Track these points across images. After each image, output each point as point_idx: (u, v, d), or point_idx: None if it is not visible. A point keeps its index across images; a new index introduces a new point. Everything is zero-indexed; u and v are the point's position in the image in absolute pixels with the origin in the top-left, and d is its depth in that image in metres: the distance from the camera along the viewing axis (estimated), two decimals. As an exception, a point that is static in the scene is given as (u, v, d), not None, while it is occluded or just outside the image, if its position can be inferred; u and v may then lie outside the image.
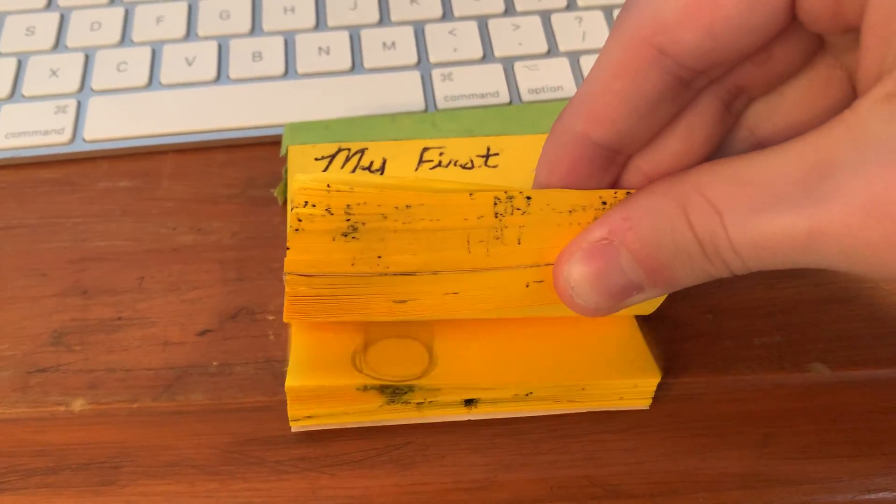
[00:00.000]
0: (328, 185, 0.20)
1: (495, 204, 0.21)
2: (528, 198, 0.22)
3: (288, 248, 0.21)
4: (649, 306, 0.26)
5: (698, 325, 0.28)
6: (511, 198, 0.21)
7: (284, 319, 0.23)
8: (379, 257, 0.21)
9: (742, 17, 0.18)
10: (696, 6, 0.18)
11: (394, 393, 0.24)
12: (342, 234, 0.21)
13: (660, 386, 0.26)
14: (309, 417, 0.25)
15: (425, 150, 0.30)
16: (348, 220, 0.21)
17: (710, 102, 0.21)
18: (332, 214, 0.21)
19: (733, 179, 0.19)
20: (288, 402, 0.24)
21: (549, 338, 0.26)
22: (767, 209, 0.18)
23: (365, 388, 0.24)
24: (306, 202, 0.20)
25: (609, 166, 0.22)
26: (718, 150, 0.22)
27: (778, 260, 0.19)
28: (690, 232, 0.19)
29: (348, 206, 0.21)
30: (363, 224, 0.21)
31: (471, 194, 0.21)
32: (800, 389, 0.27)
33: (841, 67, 0.21)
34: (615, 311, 0.22)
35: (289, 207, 0.21)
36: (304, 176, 0.20)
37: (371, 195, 0.21)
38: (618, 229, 0.21)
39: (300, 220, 0.21)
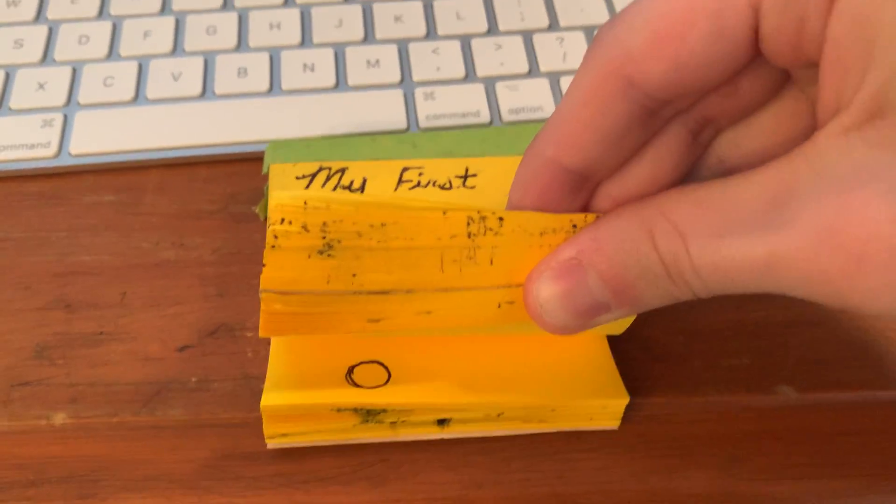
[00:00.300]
0: (305, 203, 0.21)
1: (468, 224, 0.22)
2: (501, 218, 0.22)
3: (264, 265, 0.21)
4: (619, 326, 0.26)
5: (669, 345, 0.29)
6: (484, 218, 0.22)
7: (260, 335, 0.24)
8: (354, 275, 0.22)
9: (707, 51, 0.19)
10: (662, 40, 0.19)
11: (368, 413, 0.25)
12: (318, 252, 0.21)
13: (629, 406, 0.26)
14: (284, 435, 0.25)
15: (405, 170, 0.30)
16: (324, 237, 0.21)
17: (678, 131, 0.22)
18: (308, 232, 0.21)
19: (697, 204, 0.20)
20: (263, 420, 0.25)
21: (519, 357, 0.26)
22: (728, 234, 0.19)
23: (339, 410, 0.24)
24: (283, 219, 0.21)
25: (579, 191, 0.22)
26: (687, 176, 0.23)
27: (738, 284, 0.19)
28: (655, 254, 0.20)
29: (325, 223, 0.21)
30: (339, 242, 0.21)
31: (444, 213, 0.22)
32: (766, 411, 0.28)
33: (806, 99, 0.21)
34: (584, 330, 0.22)
35: (267, 224, 0.22)
36: (281, 193, 0.21)
37: (347, 213, 0.21)
38: (586, 250, 0.21)
39: (276, 238, 0.21)
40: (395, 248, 0.22)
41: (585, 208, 0.23)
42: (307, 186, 0.29)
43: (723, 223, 0.19)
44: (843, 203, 0.17)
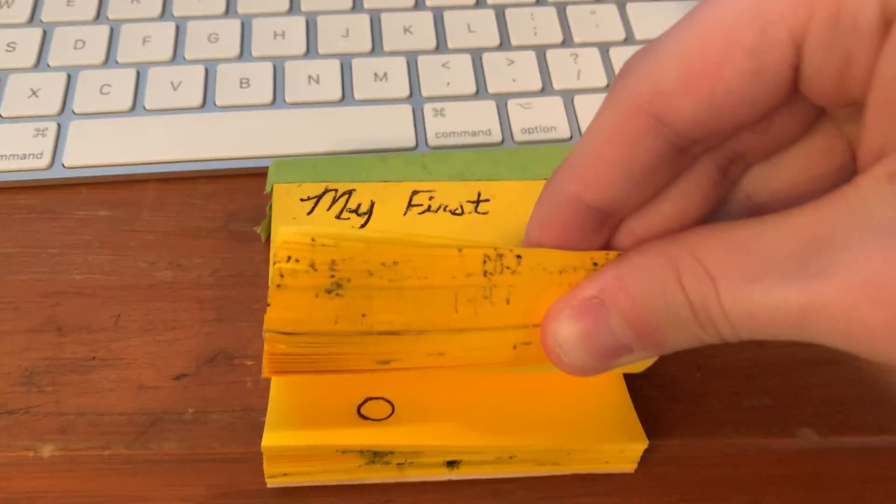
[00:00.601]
0: (312, 240, 0.20)
1: (484, 262, 0.21)
2: (519, 256, 0.21)
3: (269, 305, 0.20)
4: (640, 365, 0.25)
5: (686, 383, 0.28)
6: (501, 256, 0.21)
7: (263, 375, 0.22)
8: (363, 315, 0.21)
9: (744, 89, 0.18)
10: (695, 76, 0.18)
11: (374, 455, 0.24)
12: (326, 291, 0.20)
13: (646, 448, 0.25)
14: (286, 475, 0.24)
15: (415, 193, 0.29)
16: (332, 276, 0.20)
17: (707, 168, 0.21)
18: (316, 270, 0.20)
19: (729, 245, 0.19)
20: (264, 460, 0.24)
21: (532, 396, 0.25)
22: (762, 279, 0.18)
23: (344, 451, 0.23)
24: (289, 257, 0.20)
25: (601, 228, 0.21)
26: (714, 212, 0.22)
27: (771, 332, 0.18)
28: (683, 295, 0.19)
29: (333, 261, 0.20)
30: (348, 280, 0.20)
31: (460, 250, 0.21)
32: (788, 455, 0.26)
33: (842, 136, 0.20)
34: (603, 372, 0.21)
35: (271, 262, 0.20)
36: (288, 229, 0.20)
37: (357, 250, 0.20)
38: (609, 288, 0.20)
39: (282, 276, 0.20)
40: (407, 287, 0.21)
41: (607, 246, 0.22)
42: (312, 209, 0.28)
43: (756, 267, 0.18)
44: (889, 254, 0.16)
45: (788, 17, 0.17)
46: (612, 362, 0.21)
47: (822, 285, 0.17)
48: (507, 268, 0.21)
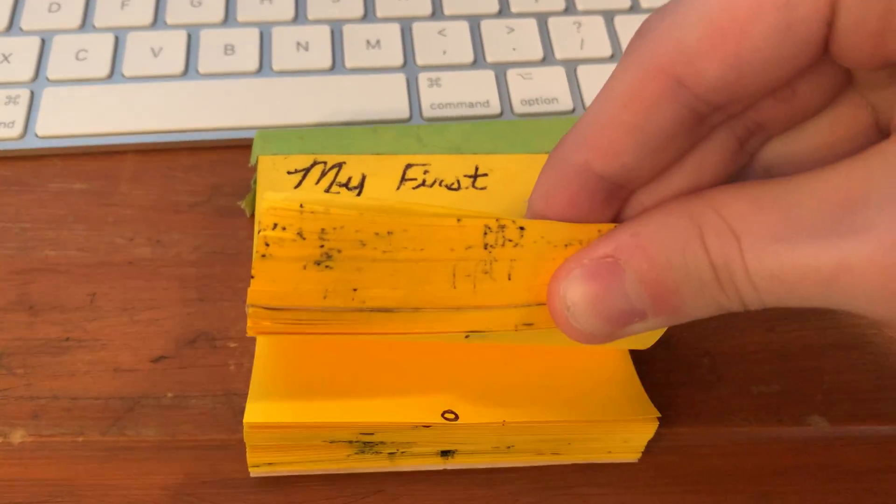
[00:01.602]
0: (301, 206, 0.18)
1: (485, 233, 0.19)
2: (522, 228, 0.20)
3: (252, 277, 0.19)
4: (646, 339, 0.23)
5: (693, 369, 0.26)
6: (503, 227, 0.19)
7: (248, 334, 0.21)
8: (354, 290, 0.19)
9: (771, 47, 0.17)
10: (721, 34, 0.17)
11: (364, 445, 0.22)
12: (314, 263, 0.19)
13: (656, 427, 0.24)
14: (270, 464, 0.23)
15: (408, 166, 0.27)
16: (322, 246, 0.18)
17: (725, 139, 0.20)
18: (305, 239, 0.18)
19: (756, 202, 0.17)
20: (247, 448, 0.22)
21: (539, 379, 0.24)
22: (790, 238, 0.17)
23: (332, 441, 0.22)
24: (276, 224, 0.18)
25: (610, 200, 0.20)
26: None
27: (797, 295, 0.17)
28: (704, 255, 0.18)
29: (323, 230, 0.18)
30: (339, 251, 0.19)
31: (459, 220, 0.19)
32: (798, 444, 0.25)
33: (866, 106, 0.19)
34: (612, 340, 0.20)
35: (256, 229, 0.19)
36: (274, 194, 0.18)
37: (349, 218, 0.18)
38: (625, 246, 0.19)
39: (268, 245, 0.18)
40: (402, 259, 0.19)
41: (615, 220, 0.20)
42: (300, 182, 0.26)
43: (784, 226, 0.17)
44: None
45: None
46: (624, 329, 0.19)
47: (856, 244, 0.16)
48: (510, 240, 0.20)
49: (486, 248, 0.20)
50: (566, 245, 0.20)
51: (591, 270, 0.19)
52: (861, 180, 0.16)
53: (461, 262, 0.20)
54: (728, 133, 0.20)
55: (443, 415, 0.22)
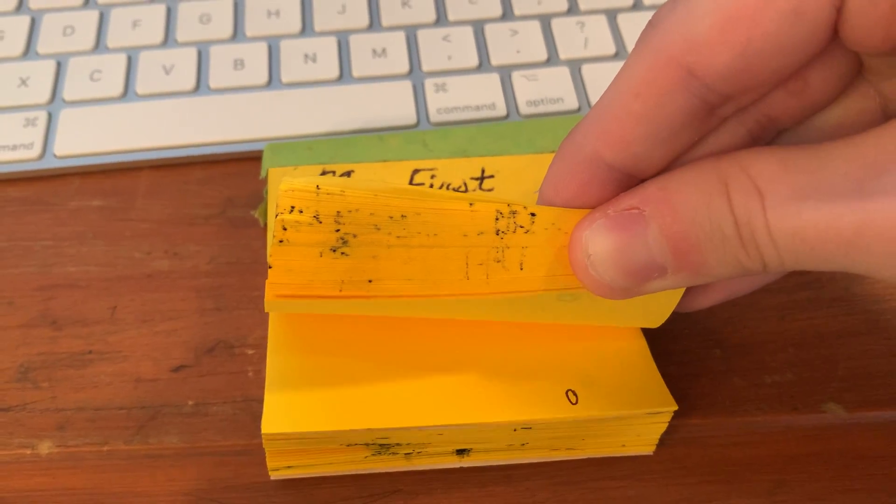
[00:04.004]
0: (317, 188, 0.19)
1: (497, 219, 0.20)
2: (533, 214, 0.20)
3: (270, 267, 0.19)
4: (657, 317, 0.23)
5: (706, 360, 0.26)
6: (514, 213, 0.20)
7: (266, 310, 0.21)
8: (370, 281, 0.20)
9: (781, 33, 0.17)
10: (732, 24, 0.17)
11: (381, 447, 0.22)
12: (331, 250, 0.19)
13: (673, 413, 0.24)
14: (289, 467, 0.23)
15: (416, 171, 0.28)
16: (338, 230, 0.19)
17: (735, 131, 0.20)
18: (321, 223, 0.19)
19: (782, 162, 0.17)
20: (266, 453, 0.23)
21: (554, 371, 0.24)
22: (813, 198, 0.17)
23: (349, 445, 0.22)
24: (293, 207, 0.19)
25: (619, 190, 0.20)
26: None
27: (817, 256, 0.17)
28: (728, 210, 0.18)
29: (339, 212, 0.19)
30: (354, 237, 0.19)
31: (471, 205, 0.20)
32: (813, 432, 0.25)
33: (876, 97, 0.19)
34: (629, 296, 0.20)
35: (272, 214, 0.19)
36: (291, 179, 0.19)
37: (364, 200, 0.19)
38: (651, 198, 0.19)
39: (285, 230, 0.19)
40: (416, 245, 0.20)
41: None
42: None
43: (809, 185, 0.17)
44: None
45: None
46: (643, 285, 0.19)
47: (880, 204, 0.16)
48: (521, 227, 0.20)
49: (497, 234, 0.20)
50: None
51: (615, 220, 0.19)
52: (888, 146, 0.16)
53: (473, 249, 0.20)
54: (739, 126, 0.20)
55: (458, 416, 0.22)
